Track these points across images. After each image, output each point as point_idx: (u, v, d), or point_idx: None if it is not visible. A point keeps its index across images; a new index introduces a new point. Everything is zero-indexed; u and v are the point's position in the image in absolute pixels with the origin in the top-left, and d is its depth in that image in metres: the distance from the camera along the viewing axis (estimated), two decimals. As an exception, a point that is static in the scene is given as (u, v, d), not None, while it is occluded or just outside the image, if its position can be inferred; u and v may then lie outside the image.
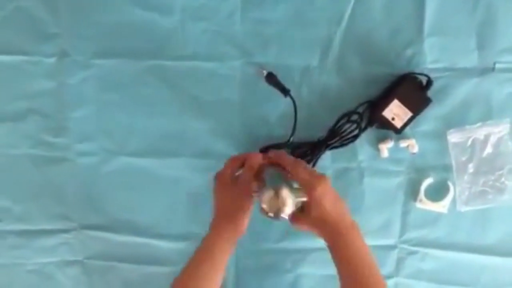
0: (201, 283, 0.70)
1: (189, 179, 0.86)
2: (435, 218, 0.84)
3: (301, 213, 0.70)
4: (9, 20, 0.80)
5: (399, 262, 0.86)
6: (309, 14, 0.79)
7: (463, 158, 0.80)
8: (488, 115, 0.80)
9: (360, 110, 0.79)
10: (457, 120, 0.80)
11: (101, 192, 0.87)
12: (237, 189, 0.72)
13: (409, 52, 0.79)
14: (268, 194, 0.68)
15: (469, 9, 0.77)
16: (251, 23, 0.79)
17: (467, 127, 0.79)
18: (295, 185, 0.71)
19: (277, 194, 0.68)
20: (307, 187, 0.68)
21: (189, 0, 0.79)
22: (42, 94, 0.83)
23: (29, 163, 0.86)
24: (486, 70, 0.78)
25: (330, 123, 0.80)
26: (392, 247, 0.86)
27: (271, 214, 0.68)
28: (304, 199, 0.69)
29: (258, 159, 0.73)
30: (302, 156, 0.81)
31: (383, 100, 0.78)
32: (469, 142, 0.79)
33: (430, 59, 0.79)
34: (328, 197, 0.68)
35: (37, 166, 0.86)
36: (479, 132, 0.79)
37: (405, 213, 0.84)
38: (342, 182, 0.84)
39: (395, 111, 0.77)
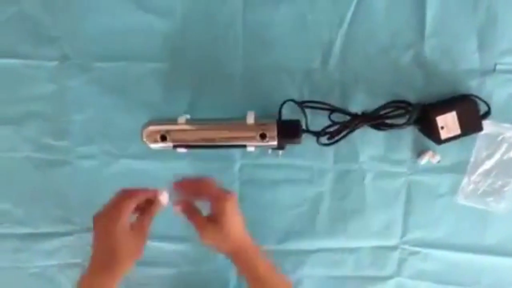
0: None
1: (191, 181, 0.86)
2: (436, 218, 0.85)
3: (212, 227, 0.69)
4: (10, 24, 0.80)
5: (401, 262, 0.87)
6: (311, 16, 0.78)
7: (484, 153, 0.80)
8: (488, 117, 0.80)
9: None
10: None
11: (102, 195, 0.85)
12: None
13: (410, 53, 0.79)
14: None
15: (469, 10, 0.77)
16: (252, 25, 0.79)
17: (506, 125, 0.79)
18: None
19: None
20: (220, 199, 0.68)
21: (190, 3, 0.79)
22: (43, 97, 0.82)
23: (30, 166, 0.85)
24: (487, 72, 0.78)
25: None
26: (393, 248, 0.86)
27: None
28: None
29: (161, 206, 0.71)
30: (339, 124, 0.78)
31: (441, 106, 0.77)
32: (499, 138, 0.80)
33: (431, 60, 0.79)
34: (237, 211, 0.70)
35: (38, 169, 0.86)
36: None
37: (406, 214, 0.85)
38: (343, 184, 0.84)
39: (448, 122, 0.75)
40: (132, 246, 0.67)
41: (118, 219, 0.66)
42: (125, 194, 0.68)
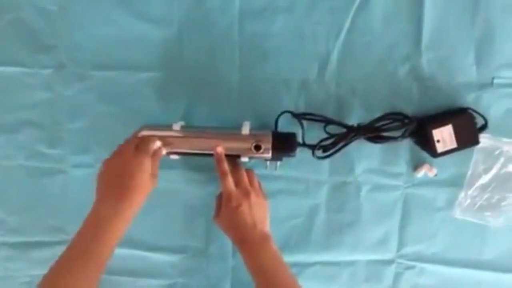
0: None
1: (186, 191, 0.85)
2: (433, 233, 0.84)
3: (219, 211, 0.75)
4: (6, 32, 0.80)
5: (396, 277, 0.86)
6: (308, 27, 0.78)
7: (482, 167, 0.79)
8: (485, 131, 0.79)
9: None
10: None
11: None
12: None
13: (406, 66, 0.79)
14: None
15: (467, 24, 0.77)
16: (249, 36, 0.79)
17: (504, 139, 0.78)
18: None
19: None
20: (224, 198, 0.73)
21: (187, 13, 0.79)
22: (38, 105, 0.82)
23: (24, 174, 0.85)
24: (484, 85, 0.78)
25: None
26: (389, 262, 0.85)
27: None
28: None
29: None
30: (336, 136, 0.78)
31: (437, 120, 0.76)
32: (496, 152, 0.79)
33: (428, 73, 0.78)
34: (241, 209, 0.72)
35: (32, 178, 0.85)
36: (510, 147, 0.78)
37: (402, 228, 0.84)
38: (339, 196, 0.84)
39: (443, 136, 0.75)
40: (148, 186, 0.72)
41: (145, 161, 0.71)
42: (149, 139, 0.74)
